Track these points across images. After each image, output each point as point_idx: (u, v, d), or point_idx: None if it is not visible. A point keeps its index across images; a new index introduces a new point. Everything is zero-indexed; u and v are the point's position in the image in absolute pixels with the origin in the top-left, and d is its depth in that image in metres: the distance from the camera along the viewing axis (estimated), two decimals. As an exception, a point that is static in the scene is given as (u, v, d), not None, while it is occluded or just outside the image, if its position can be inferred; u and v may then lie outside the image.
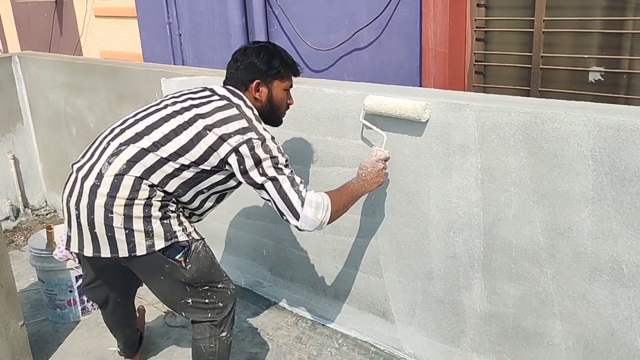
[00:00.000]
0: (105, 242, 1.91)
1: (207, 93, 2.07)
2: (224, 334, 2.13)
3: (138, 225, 1.89)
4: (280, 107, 2.16)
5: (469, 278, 2.25)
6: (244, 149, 1.90)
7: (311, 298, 2.89)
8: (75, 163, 2.03)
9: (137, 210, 1.89)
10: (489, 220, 2.12)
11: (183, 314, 2.11)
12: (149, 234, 1.90)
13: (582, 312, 1.98)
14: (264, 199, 1.99)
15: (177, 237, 1.96)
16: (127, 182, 1.88)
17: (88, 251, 1.95)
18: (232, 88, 2.09)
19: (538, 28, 3.27)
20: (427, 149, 2.22)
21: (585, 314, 1.98)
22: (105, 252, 1.93)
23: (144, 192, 1.89)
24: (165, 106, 2.04)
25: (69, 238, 2.01)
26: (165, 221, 1.94)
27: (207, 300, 2.07)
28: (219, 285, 2.11)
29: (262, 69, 2.07)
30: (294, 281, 2.94)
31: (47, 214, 4.43)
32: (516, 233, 2.06)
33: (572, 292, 1.99)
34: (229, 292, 2.14)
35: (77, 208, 1.92)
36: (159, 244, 1.92)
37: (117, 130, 2.00)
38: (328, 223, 1.99)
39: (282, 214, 1.96)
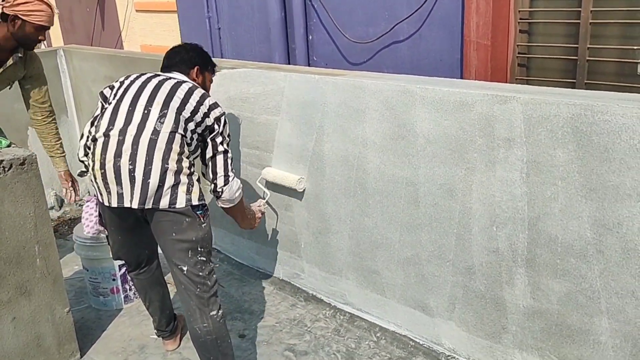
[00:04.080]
0: (152, 193, 2.13)
1: (170, 75, 2.40)
2: (213, 312, 2.26)
3: (184, 178, 2.17)
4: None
5: (511, 273, 2.21)
6: (223, 119, 2.33)
7: (349, 291, 2.89)
8: (109, 130, 2.19)
9: (185, 164, 2.19)
10: (534, 215, 2.08)
11: (183, 284, 2.24)
12: (189, 189, 2.18)
13: (631, 310, 1.93)
14: (205, 160, 2.33)
15: (204, 199, 2.25)
16: (178, 138, 2.18)
17: (135, 202, 2.14)
18: (180, 73, 2.45)
19: (585, 19, 3.18)
20: (470, 142, 2.19)
21: (634, 312, 1.92)
22: (149, 203, 2.14)
23: (187, 148, 2.22)
24: (160, 81, 2.30)
25: (119, 196, 2.16)
26: (197, 182, 2.24)
27: (200, 274, 2.23)
28: (211, 264, 2.29)
29: (200, 61, 2.53)
30: (332, 273, 2.94)
31: (89, 204, 4.53)
32: (562, 228, 2.02)
33: (620, 289, 1.94)
34: (215, 276, 2.32)
35: (133, 162, 2.12)
36: (194, 199, 2.19)
37: (143, 99, 2.23)
38: (231, 208, 2.43)
39: (216, 174, 2.32)
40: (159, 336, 2.73)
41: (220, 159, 2.32)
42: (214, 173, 2.32)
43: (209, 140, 2.30)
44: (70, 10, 7.41)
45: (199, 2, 5.27)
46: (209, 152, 2.31)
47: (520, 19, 3.46)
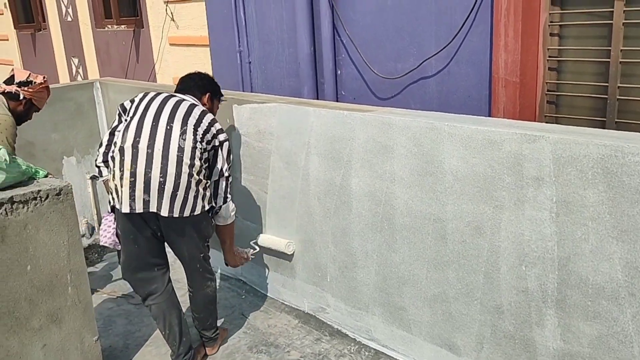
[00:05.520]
0: (179, 204, 2.47)
1: (184, 97, 2.69)
2: (214, 279, 2.84)
3: (202, 190, 2.54)
4: None
5: (541, 314, 2.18)
6: (226, 145, 2.66)
7: (375, 326, 2.87)
8: (136, 142, 2.46)
9: (202, 175, 2.54)
10: (564, 255, 2.06)
11: (198, 265, 2.70)
12: (204, 198, 2.56)
13: (665, 356, 1.88)
14: (210, 180, 2.64)
15: (212, 201, 2.65)
16: (197, 153, 2.52)
17: (164, 212, 2.46)
18: (193, 97, 2.74)
19: (615, 58, 3.18)
20: (498, 180, 2.19)
21: (669, 358, 1.88)
22: (176, 212, 2.47)
23: (204, 162, 2.56)
24: (178, 101, 2.60)
25: (145, 202, 2.44)
26: (209, 188, 2.62)
27: (208, 254, 2.76)
28: None
29: (212, 89, 2.88)
30: (358, 308, 2.93)
31: (119, 233, 4.60)
32: (593, 270, 1.99)
33: (654, 334, 1.90)
34: None
35: (164, 175, 2.43)
36: (206, 205, 2.59)
37: (164, 116, 2.52)
38: (223, 228, 2.78)
39: (217, 195, 2.67)
40: None
41: (223, 182, 2.67)
42: (216, 194, 2.67)
43: (215, 163, 2.64)
44: (107, 43, 7.66)
45: (231, 37, 5.40)
46: (214, 176, 2.66)
47: (550, 56, 3.47)
